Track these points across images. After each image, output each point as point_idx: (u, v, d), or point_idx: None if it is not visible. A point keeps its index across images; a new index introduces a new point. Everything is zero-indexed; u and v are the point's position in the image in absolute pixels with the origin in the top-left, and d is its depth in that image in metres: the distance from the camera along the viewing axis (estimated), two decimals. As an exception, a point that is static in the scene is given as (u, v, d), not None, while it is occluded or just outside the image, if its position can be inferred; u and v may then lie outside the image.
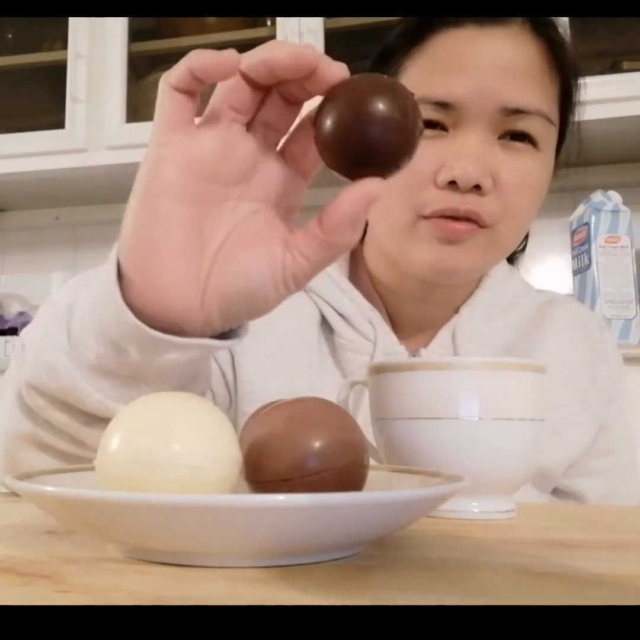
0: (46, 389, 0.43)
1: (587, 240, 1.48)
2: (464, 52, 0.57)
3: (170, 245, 0.35)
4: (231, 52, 0.33)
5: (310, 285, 0.66)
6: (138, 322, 0.36)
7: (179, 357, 0.38)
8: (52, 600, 0.22)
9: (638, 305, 1.45)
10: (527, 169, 0.58)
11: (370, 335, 0.64)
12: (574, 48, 0.62)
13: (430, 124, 0.57)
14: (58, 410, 0.44)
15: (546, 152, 0.59)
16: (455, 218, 0.56)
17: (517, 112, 0.56)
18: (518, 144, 0.57)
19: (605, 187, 1.52)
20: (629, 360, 1.30)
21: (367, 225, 0.68)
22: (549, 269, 1.83)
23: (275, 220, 0.37)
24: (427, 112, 0.57)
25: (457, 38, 0.58)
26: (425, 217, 0.57)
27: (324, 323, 0.66)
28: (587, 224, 1.48)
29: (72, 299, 0.43)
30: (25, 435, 0.46)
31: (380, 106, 0.31)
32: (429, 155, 0.57)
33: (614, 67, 1.63)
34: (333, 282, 0.66)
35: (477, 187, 0.55)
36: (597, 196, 1.49)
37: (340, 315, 0.65)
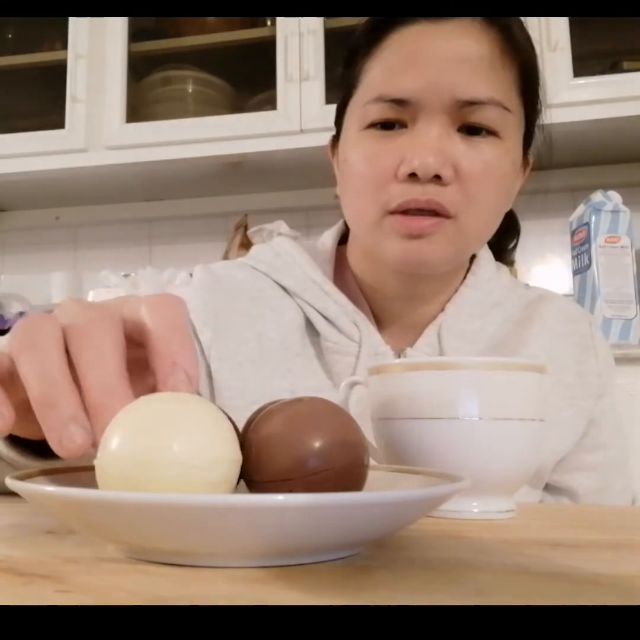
0: None
1: (587, 240, 1.48)
2: (416, 49, 0.58)
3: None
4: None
5: (295, 290, 0.67)
6: (26, 458, 0.39)
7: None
8: (52, 600, 0.22)
9: (638, 305, 1.45)
10: (488, 158, 0.58)
11: (355, 336, 0.64)
12: (528, 34, 0.62)
13: (389, 123, 0.59)
14: None
15: (509, 140, 0.60)
16: (418, 211, 0.57)
17: (471, 103, 0.57)
18: (477, 136, 0.58)
19: (605, 187, 1.52)
20: (629, 360, 1.31)
21: (349, 228, 0.69)
22: (549, 269, 1.83)
23: None
24: (385, 111, 0.58)
25: (410, 35, 0.59)
26: (391, 213, 0.58)
27: (310, 327, 0.66)
28: (587, 224, 1.48)
29: None
30: None
31: None
32: (390, 151, 0.58)
33: (614, 67, 1.63)
34: (317, 285, 0.67)
35: (437, 178, 0.56)
36: (597, 196, 1.49)
37: (325, 317, 0.65)
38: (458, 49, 0.57)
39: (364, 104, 0.60)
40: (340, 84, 0.67)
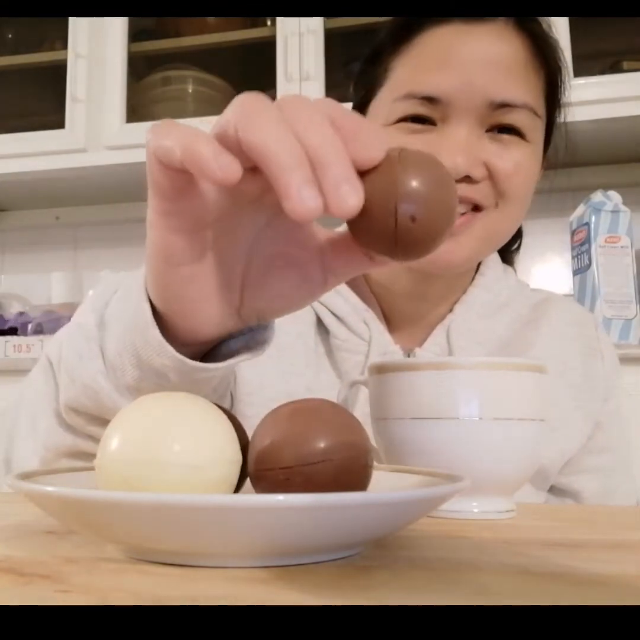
0: (86, 409, 0.44)
1: (587, 240, 1.48)
2: (449, 49, 0.58)
3: (201, 297, 0.36)
4: (229, 166, 0.28)
5: None
6: (181, 357, 0.37)
7: (217, 374, 0.40)
8: (52, 600, 0.22)
9: (638, 305, 1.45)
10: (517, 158, 0.59)
11: (364, 335, 0.64)
12: (557, 42, 0.63)
13: (419, 119, 0.58)
14: (98, 425, 0.44)
15: (534, 145, 0.60)
16: None
17: (504, 105, 0.57)
18: (506, 136, 0.58)
19: (605, 187, 1.52)
20: (629, 360, 1.30)
21: None
22: (549, 269, 1.83)
23: (304, 229, 0.36)
24: (415, 107, 0.58)
25: (442, 35, 0.59)
26: None
27: (320, 325, 0.66)
28: (587, 224, 1.48)
29: (98, 319, 0.42)
30: (66, 448, 0.47)
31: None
32: (419, 148, 0.57)
33: (614, 67, 1.63)
34: None
35: (468, 178, 0.57)
36: (597, 196, 1.49)
37: (335, 316, 0.65)
38: (492, 51, 0.57)
39: (392, 100, 0.59)
40: (360, 81, 0.66)
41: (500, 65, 0.57)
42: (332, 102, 0.31)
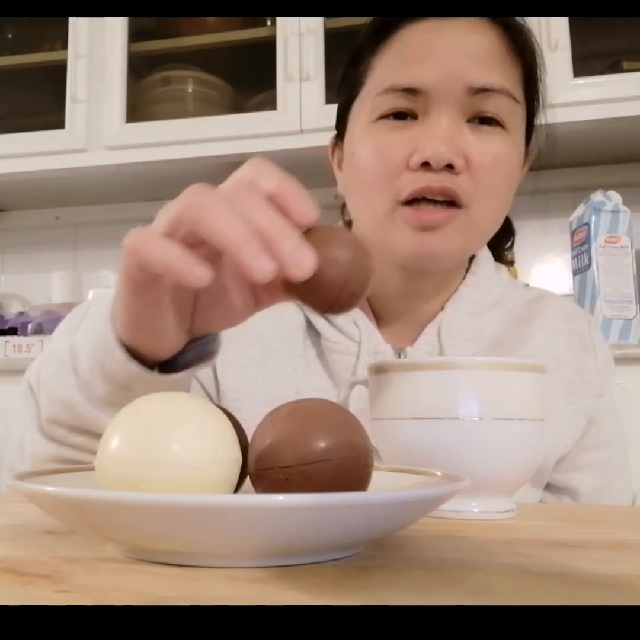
0: (65, 421, 0.48)
1: (587, 240, 1.48)
2: (427, 42, 0.59)
3: (160, 327, 0.41)
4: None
5: None
6: (144, 369, 0.43)
7: (177, 380, 0.44)
8: (52, 600, 0.22)
9: (638, 305, 1.45)
10: (497, 150, 0.59)
11: (354, 335, 0.64)
12: (532, 33, 0.64)
13: (401, 114, 0.60)
14: (78, 435, 0.49)
15: (515, 133, 0.61)
16: (431, 202, 0.58)
17: (483, 90, 0.58)
18: (486, 127, 0.59)
19: (605, 187, 1.52)
20: (629, 360, 1.30)
21: (351, 225, 0.69)
22: (549, 269, 1.83)
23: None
24: (396, 101, 0.59)
25: (420, 30, 0.60)
26: (403, 204, 0.59)
27: (310, 327, 0.66)
28: (587, 224, 1.48)
29: (70, 344, 0.47)
30: (50, 456, 0.51)
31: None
32: (401, 141, 0.59)
33: (614, 67, 1.63)
34: None
35: (449, 167, 0.57)
36: (597, 196, 1.49)
37: (325, 318, 0.65)
38: (468, 42, 0.59)
39: (374, 96, 0.60)
40: (343, 83, 0.67)
41: (477, 54, 0.58)
42: (267, 171, 0.36)
